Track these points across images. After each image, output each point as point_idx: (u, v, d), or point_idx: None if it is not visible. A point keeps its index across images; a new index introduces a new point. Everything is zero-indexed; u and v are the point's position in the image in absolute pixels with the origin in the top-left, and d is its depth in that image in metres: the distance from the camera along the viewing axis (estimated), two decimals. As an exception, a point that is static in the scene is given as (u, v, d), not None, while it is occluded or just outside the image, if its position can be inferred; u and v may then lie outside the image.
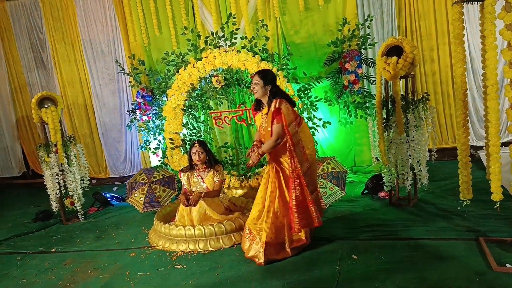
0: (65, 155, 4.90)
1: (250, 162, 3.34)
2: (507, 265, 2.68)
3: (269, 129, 3.22)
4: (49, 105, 4.89)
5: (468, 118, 5.80)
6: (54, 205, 4.96)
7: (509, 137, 5.58)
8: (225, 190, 4.94)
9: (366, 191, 4.79)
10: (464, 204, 3.12)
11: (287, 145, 3.16)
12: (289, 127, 3.14)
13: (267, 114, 3.26)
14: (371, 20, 5.27)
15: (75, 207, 5.06)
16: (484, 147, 3.05)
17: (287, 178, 3.25)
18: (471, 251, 2.98)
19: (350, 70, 5.10)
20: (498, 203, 2.69)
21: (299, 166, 3.15)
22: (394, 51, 4.01)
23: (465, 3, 3.24)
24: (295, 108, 3.41)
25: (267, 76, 3.26)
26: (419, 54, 5.64)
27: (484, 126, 3.09)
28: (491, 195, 2.69)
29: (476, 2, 3.23)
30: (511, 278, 2.54)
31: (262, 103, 3.38)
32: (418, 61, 3.95)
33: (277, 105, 3.13)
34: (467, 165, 2.95)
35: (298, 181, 3.15)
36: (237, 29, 5.29)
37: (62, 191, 4.99)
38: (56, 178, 4.88)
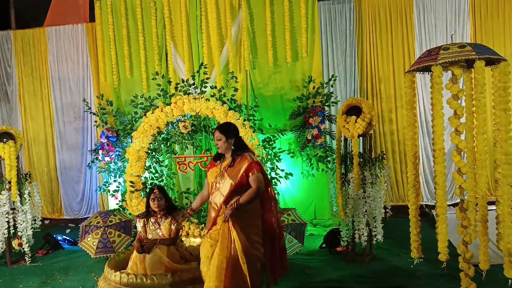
0: (18, 193, 4.71)
1: (224, 218, 2.98)
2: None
3: (232, 183, 3.00)
4: (8, 140, 4.75)
5: (423, 178, 6.09)
6: (0, 246, 4.67)
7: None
8: (183, 238, 4.83)
9: (324, 245, 4.82)
10: (415, 262, 3.21)
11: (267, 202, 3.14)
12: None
13: (231, 166, 3.07)
14: (334, 80, 5.57)
15: (23, 248, 4.79)
16: (435, 208, 3.20)
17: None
18: (420, 311, 3.03)
19: (314, 125, 5.31)
20: (445, 263, 2.78)
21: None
22: (354, 110, 4.24)
23: (417, 72, 3.53)
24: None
25: (228, 130, 3.14)
26: (377, 115, 6.00)
27: (434, 187, 3.26)
28: (438, 255, 2.79)
29: (427, 72, 3.52)
30: None
31: (224, 156, 3.20)
32: (376, 121, 4.18)
33: (252, 159, 3.02)
34: (416, 224, 3.07)
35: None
36: (207, 78, 5.44)
37: (11, 231, 4.74)
38: (6, 217, 4.64)
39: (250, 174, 2.98)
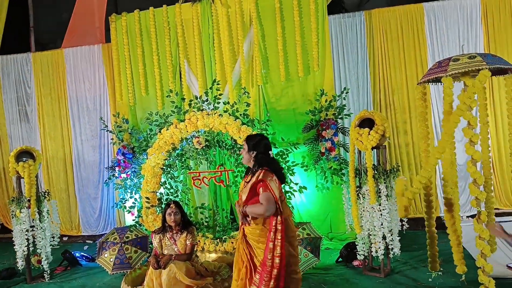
0: (37, 210, 4.80)
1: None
2: None
3: (245, 197, 2.97)
4: (27, 159, 4.88)
5: (440, 189, 5.97)
6: (20, 263, 4.76)
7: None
8: (198, 253, 4.85)
9: (340, 259, 4.76)
10: (433, 276, 3.15)
11: (272, 226, 2.84)
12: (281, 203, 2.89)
13: (248, 182, 3.01)
14: (347, 93, 5.58)
15: (42, 265, 4.87)
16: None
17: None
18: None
19: (327, 138, 5.30)
20: (464, 275, 2.72)
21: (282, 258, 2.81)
22: (367, 122, 4.23)
23: (429, 83, 3.52)
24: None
25: (251, 141, 3.10)
26: (391, 126, 5.96)
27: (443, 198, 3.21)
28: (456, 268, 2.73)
29: (439, 83, 3.50)
30: None
31: (251, 169, 3.10)
32: (389, 133, 4.16)
33: (260, 177, 2.90)
34: (433, 236, 3.02)
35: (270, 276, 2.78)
36: (220, 94, 5.51)
37: (30, 248, 4.82)
38: (26, 234, 4.73)
39: (261, 190, 2.86)
